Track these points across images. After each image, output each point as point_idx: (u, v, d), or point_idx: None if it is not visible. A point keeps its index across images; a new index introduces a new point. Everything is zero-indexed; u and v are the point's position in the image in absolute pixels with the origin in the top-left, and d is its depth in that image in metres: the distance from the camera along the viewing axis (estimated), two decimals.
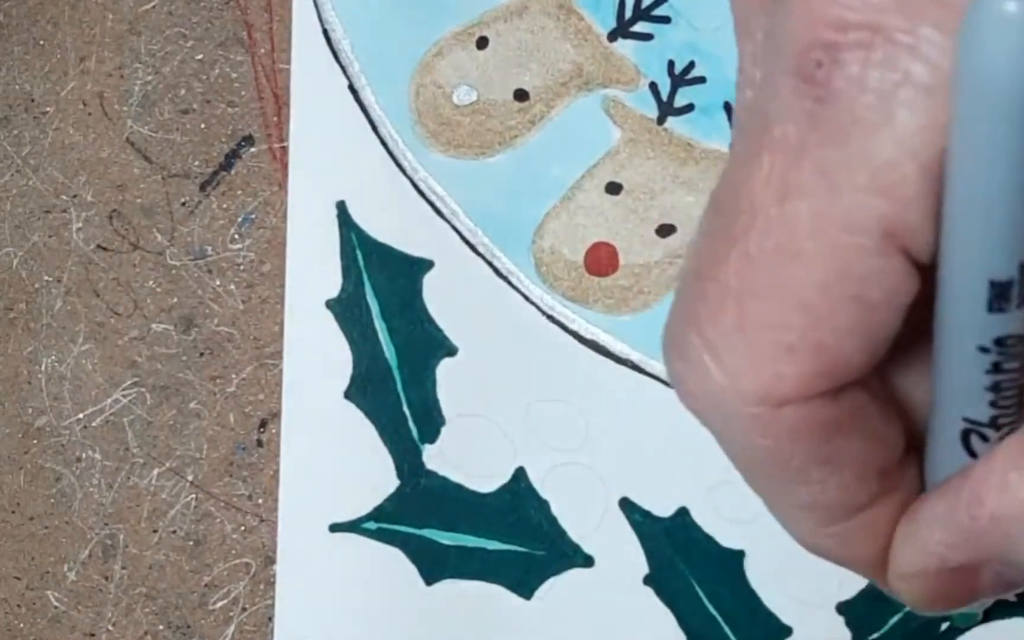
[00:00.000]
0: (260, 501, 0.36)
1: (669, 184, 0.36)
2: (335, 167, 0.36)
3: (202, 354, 0.36)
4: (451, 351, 0.36)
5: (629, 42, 0.36)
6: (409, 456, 0.35)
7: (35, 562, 0.36)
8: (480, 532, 0.35)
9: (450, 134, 0.36)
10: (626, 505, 0.35)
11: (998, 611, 0.33)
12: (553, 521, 0.35)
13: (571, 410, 0.35)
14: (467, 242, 0.36)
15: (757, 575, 0.34)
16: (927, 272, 0.22)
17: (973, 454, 0.24)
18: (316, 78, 0.37)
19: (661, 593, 0.34)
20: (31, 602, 0.36)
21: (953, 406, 0.24)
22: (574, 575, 0.35)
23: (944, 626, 0.33)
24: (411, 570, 0.35)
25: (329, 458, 0.35)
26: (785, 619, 0.34)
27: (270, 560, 0.35)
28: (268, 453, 0.36)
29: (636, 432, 0.35)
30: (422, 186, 0.36)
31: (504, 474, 0.35)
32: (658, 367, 0.35)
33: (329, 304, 0.36)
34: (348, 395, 0.36)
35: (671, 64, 0.36)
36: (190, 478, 0.36)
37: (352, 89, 0.37)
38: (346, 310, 0.36)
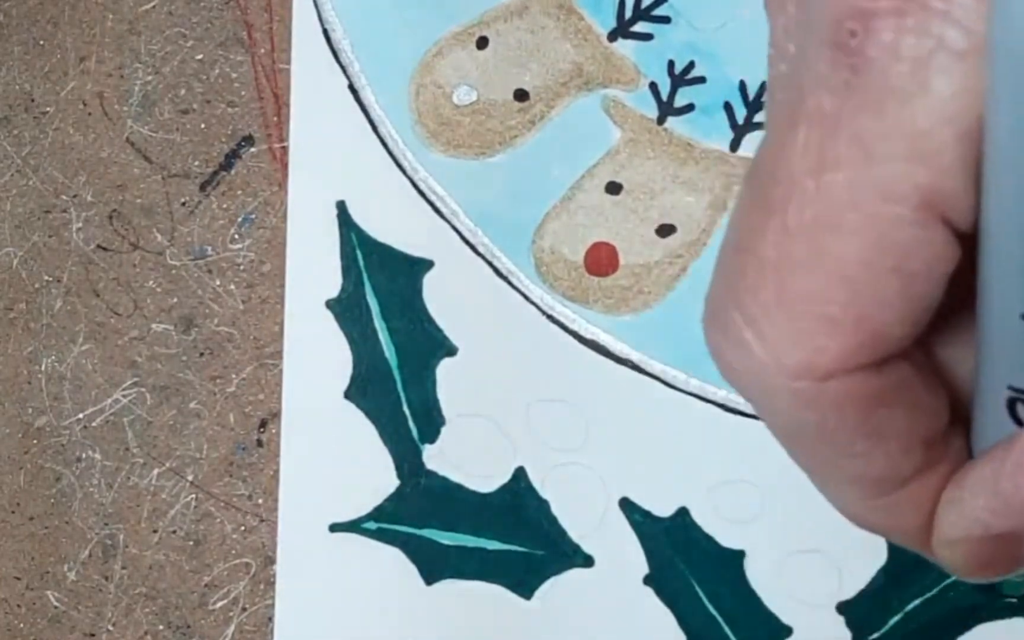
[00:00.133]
0: (260, 501, 0.36)
1: (669, 184, 0.36)
2: (335, 167, 0.36)
3: (202, 354, 0.36)
4: (451, 351, 0.36)
5: (629, 42, 0.36)
6: (409, 456, 0.35)
7: (35, 562, 0.36)
8: (480, 532, 0.35)
9: (450, 134, 0.36)
10: (626, 505, 0.35)
11: (998, 611, 0.33)
12: (553, 521, 0.35)
13: (571, 410, 0.35)
14: (467, 242, 0.36)
15: (757, 575, 0.34)
16: (968, 241, 0.22)
17: (1020, 422, 0.24)
18: (316, 78, 0.37)
19: (661, 593, 0.34)
20: (31, 602, 0.36)
21: (998, 375, 0.24)
22: (574, 575, 0.35)
23: (945, 626, 0.34)
24: (411, 570, 0.35)
25: (329, 458, 0.35)
26: (785, 619, 0.34)
27: (270, 560, 0.35)
28: (268, 453, 0.36)
29: (636, 432, 0.35)
30: (422, 186, 0.36)
31: (504, 474, 0.35)
32: (658, 367, 0.35)
33: (329, 304, 0.36)
34: (348, 395, 0.36)
35: (671, 64, 0.36)
36: (190, 478, 0.36)
37: (352, 89, 0.37)
38: (346, 310, 0.36)
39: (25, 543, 0.36)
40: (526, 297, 0.36)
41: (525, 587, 0.35)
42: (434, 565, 0.35)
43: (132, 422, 0.36)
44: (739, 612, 0.34)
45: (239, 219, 0.37)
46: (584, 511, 0.35)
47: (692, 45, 0.36)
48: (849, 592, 0.34)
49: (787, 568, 0.34)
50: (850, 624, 0.34)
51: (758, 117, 0.35)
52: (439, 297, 0.36)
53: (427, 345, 0.36)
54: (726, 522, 0.34)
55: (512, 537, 0.35)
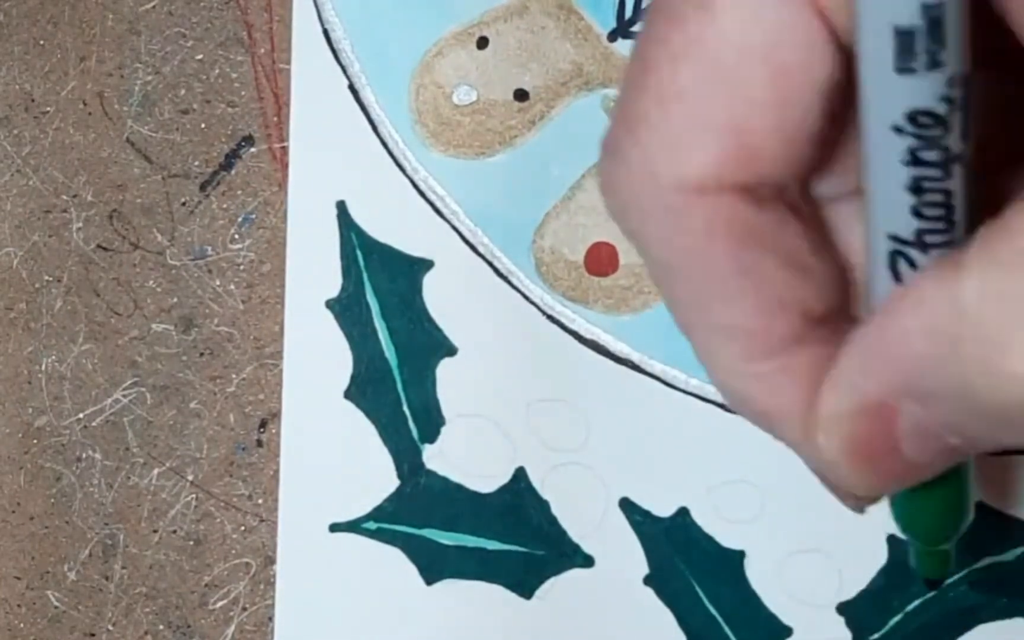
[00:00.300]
0: (260, 501, 0.36)
1: None
2: (335, 167, 0.36)
3: (202, 354, 0.36)
4: (451, 351, 0.36)
5: (629, 42, 0.36)
6: (409, 456, 0.35)
7: (35, 562, 0.36)
8: (480, 532, 0.35)
9: (450, 134, 0.36)
10: (626, 505, 0.35)
11: (998, 611, 0.33)
12: (553, 521, 0.35)
13: (571, 410, 0.35)
14: (467, 242, 0.36)
15: (757, 575, 0.34)
16: (850, 70, 0.22)
17: (899, 279, 0.23)
18: (316, 78, 0.37)
19: (661, 593, 0.34)
20: (31, 602, 0.36)
21: (879, 222, 0.23)
22: (574, 575, 0.35)
23: (944, 625, 0.33)
24: (411, 570, 0.35)
25: (329, 458, 0.35)
26: (785, 619, 0.34)
27: (270, 560, 0.35)
28: (268, 453, 0.36)
29: (636, 432, 0.35)
30: (422, 186, 0.36)
31: (504, 474, 0.35)
32: (658, 367, 0.35)
33: (329, 304, 0.36)
34: (348, 395, 0.36)
35: None
36: (190, 478, 0.36)
37: (352, 89, 0.37)
38: (346, 310, 0.36)
39: (25, 543, 0.36)
40: (526, 297, 0.36)
41: (525, 587, 0.35)
42: (434, 565, 0.35)
43: (132, 422, 0.36)
44: (739, 612, 0.34)
45: (239, 219, 0.37)
46: (584, 511, 0.35)
47: None
48: (849, 592, 0.34)
49: (787, 568, 0.34)
50: (850, 624, 0.34)
51: None
52: (439, 297, 0.36)
53: (427, 345, 0.36)
54: (726, 522, 0.34)
55: (512, 537, 0.35)
